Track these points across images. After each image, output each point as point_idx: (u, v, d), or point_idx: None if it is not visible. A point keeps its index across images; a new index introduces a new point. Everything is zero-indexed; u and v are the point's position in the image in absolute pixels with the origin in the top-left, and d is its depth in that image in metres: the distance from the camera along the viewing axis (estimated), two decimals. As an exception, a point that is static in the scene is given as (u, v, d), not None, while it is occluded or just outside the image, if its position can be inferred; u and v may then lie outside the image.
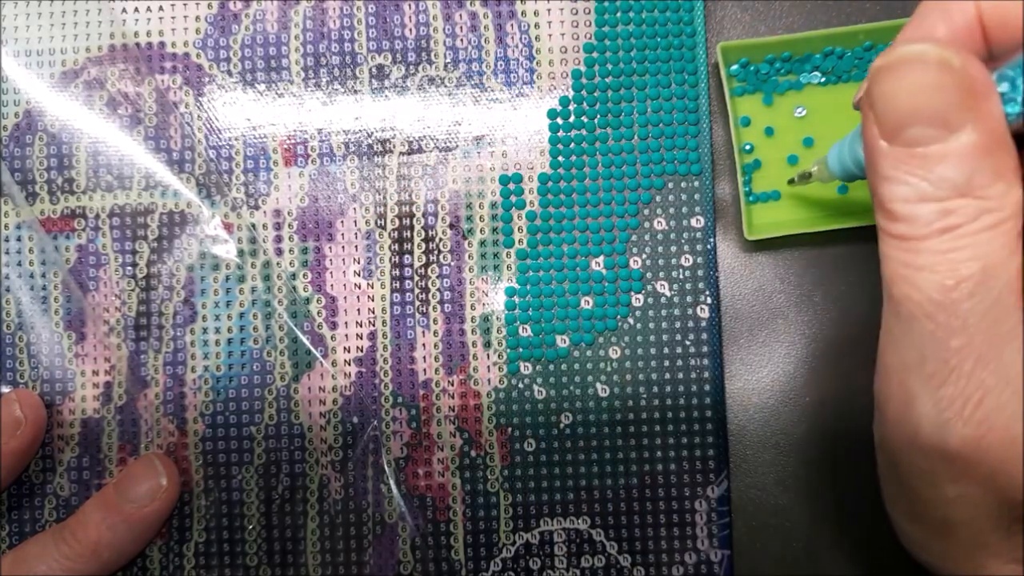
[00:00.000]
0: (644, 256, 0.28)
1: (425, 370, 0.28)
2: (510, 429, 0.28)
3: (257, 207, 0.29)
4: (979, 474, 0.19)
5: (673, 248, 0.28)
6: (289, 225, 0.29)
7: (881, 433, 0.21)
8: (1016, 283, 0.18)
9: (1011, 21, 0.19)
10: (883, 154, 0.19)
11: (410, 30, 0.29)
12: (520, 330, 0.28)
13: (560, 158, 0.29)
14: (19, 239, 0.29)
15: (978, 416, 0.19)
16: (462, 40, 0.29)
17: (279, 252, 0.29)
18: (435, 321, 0.28)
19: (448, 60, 0.29)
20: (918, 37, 0.20)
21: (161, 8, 0.29)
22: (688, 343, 0.28)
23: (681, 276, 0.28)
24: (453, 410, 0.28)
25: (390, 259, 0.29)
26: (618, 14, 0.29)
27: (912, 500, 0.21)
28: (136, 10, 0.29)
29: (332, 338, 0.28)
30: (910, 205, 0.19)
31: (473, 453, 0.28)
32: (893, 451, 0.21)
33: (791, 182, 0.28)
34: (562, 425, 0.28)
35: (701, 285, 0.28)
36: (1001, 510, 0.19)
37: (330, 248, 0.29)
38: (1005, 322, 0.18)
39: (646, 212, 0.29)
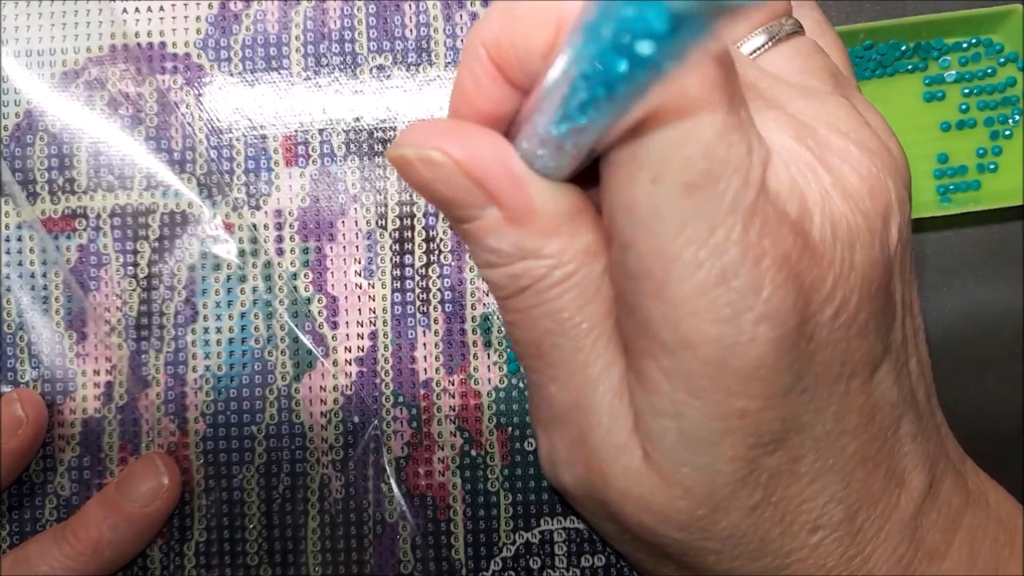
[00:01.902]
0: (644, 256, 0.28)
1: (426, 370, 0.28)
2: (510, 429, 0.28)
3: (258, 207, 0.29)
4: (602, 514, 0.20)
5: (673, 248, 0.28)
6: (290, 225, 0.29)
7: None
8: (604, 323, 0.18)
9: (513, 59, 0.17)
10: (453, 228, 0.19)
11: (411, 30, 0.29)
12: (520, 330, 0.28)
13: (560, 158, 0.29)
14: (20, 239, 0.29)
15: (581, 458, 0.19)
16: (463, 40, 0.29)
17: (280, 252, 0.29)
18: (436, 321, 0.28)
19: (449, 60, 0.29)
20: (455, 98, 0.18)
21: (162, 8, 0.29)
22: (688, 343, 0.28)
23: (681, 276, 0.28)
24: (454, 410, 0.28)
25: (391, 259, 0.29)
26: (618, 14, 0.29)
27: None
28: (136, 10, 0.29)
29: (333, 338, 0.28)
30: (486, 271, 0.19)
31: (473, 453, 0.28)
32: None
33: None
34: (562, 425, 0.28)
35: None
36: (646, 547, 0.20)
37: (331, 248, 0.29)
38: (594, 365, 0.19)
39: (646, 212, 0.29)
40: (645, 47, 0.12)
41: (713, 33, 0.12)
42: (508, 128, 0.18)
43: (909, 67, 0.30)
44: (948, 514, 0.21)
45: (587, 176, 0.18)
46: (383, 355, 0.28)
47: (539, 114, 0.16)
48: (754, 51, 0.21)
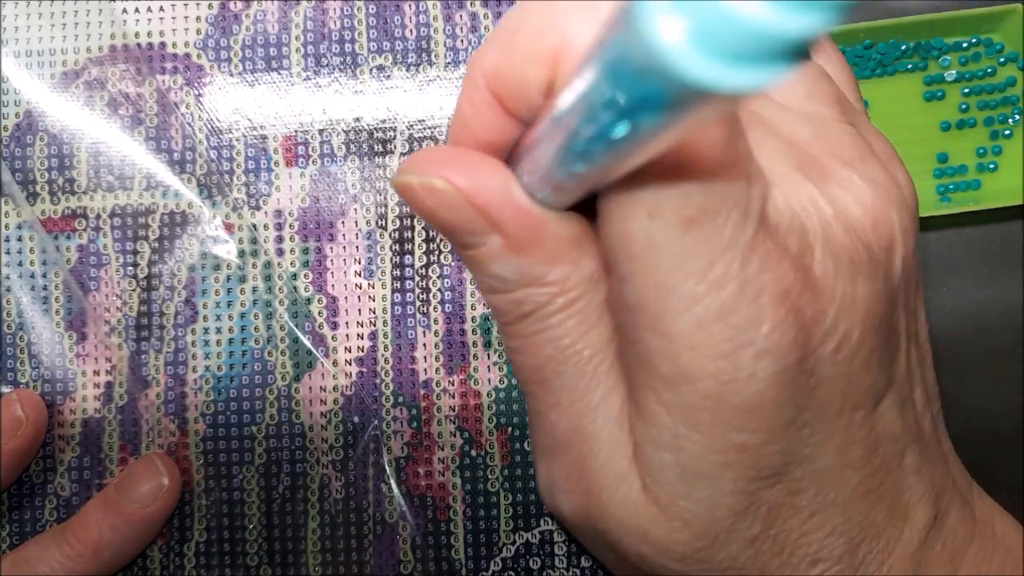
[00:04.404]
0: (644, 256, 0.28)
1: (426, 370, 0.28)
2: (510, 429, 0.28)
3: (258, 207, 0.29)
4: (600, 543, 0.20)
5: (673, 248, 0.28)
6: (290, 225, 0.29)
7: None
8: (606, 351, 0.18)
9: (512, 91, 0.17)
10: (456, 253, 0.19)
11: (411, 31, 0.29)
12: (520, 330, 0.28)
13: (560, 158, 0.29)
14: (20, 239, 0.29)
15: (581, 487, 0.19)
16: (463, 40, 0.29)
17: (280, 252, 0.29)
18: (436, 321, 0.28)
19: (449, 60, 0.29)
20: (455, 126, 0.19)
21: (161, 8, 0.29)
22: (688, 343, 0.28)
23: (681, 276, 0.28)
24: (454, 410, 0.28)
25: (391, 259, 0.29)
26: (618, 15, 0.29)
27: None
28: (136, 10, 0.29)
29: (333, 338, 0.28)
30: (489, 296, 0.19)
31: (473, 453, 0.28)
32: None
33: None
34: (562, 425, 0.28)
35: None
36: (644, 573, 0.20)
37: (331, 248, 0.29)
38: (595, 392, 0.19)
39: (646, 212, 0.29)
40: (647, 119, 0.12)
41: (720, 104, 0.11)
42: (509, 155, 0.18)
43: (909, 67, 0.30)
44: (953, 545, 0.20)
45: (589, 204, 0.18)
46: (383, 355, 0.28)
47: (539, 153, 0.16)
48: None
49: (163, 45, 0.29)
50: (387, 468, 0.28)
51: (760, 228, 0.16)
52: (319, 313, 0.28)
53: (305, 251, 0.29)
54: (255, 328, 0.28)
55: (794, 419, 0.17)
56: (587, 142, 0.14)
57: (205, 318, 0.28)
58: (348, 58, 0.29)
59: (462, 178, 0.17)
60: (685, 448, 0.17)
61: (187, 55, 0.29)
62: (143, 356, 0.28)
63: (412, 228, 0.29)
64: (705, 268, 0.16)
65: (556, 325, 0.18)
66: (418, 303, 0.28)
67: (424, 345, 0.28)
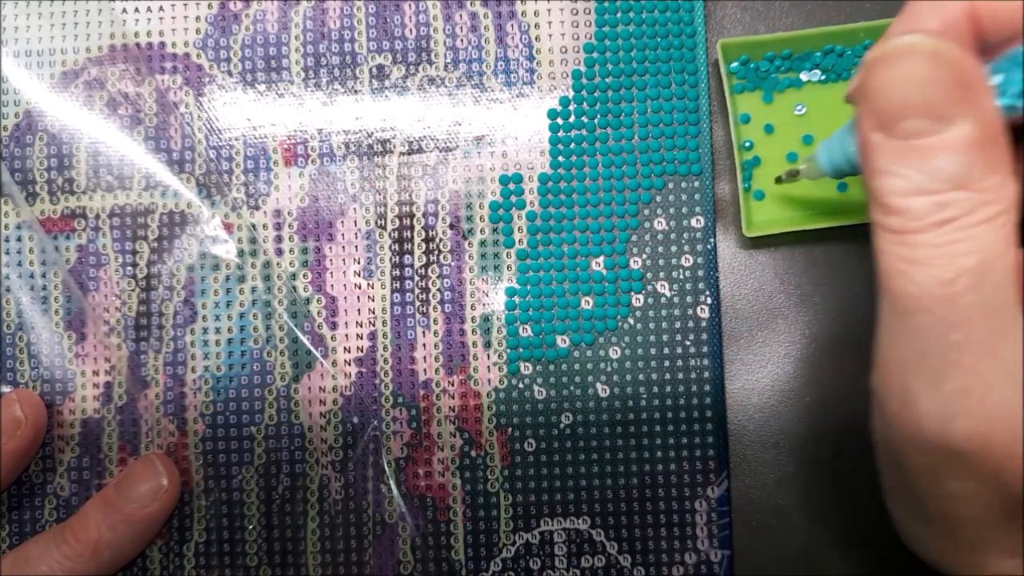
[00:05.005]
0: (644, 256, 0.28)
1: (425, 370, 0.28)
2: (510, 429, 0.28)
3: (257, 207, 0.29)
4: (983, 470, 0.19)
5: (673, 248, 0.28)
6: (289, 225, 0.29)
7: (882, 430, 0.21)
8: (1013, 276, 0.18)
9: (1004, 15, 0.19)
10: (878, 147, 0.19)
11: (410, 30, 0.29)
12: (520, 330, 0.28)
13: (560, 158, 0.29)
14: (19, 239, 0.29)
15: (981, 412, 0.19)
16: (462, 40, 0.29)
17: (279, 252, 0.29)
18: (435, 321, 0.28)
19: (448, 60, 0.29)
20: (910, 30, 0.19)
21: (161, 8, 0.29)
22: (688, 343, 0.28)
23: (681, 276, 0.28)
24: (453, 410, 0.28)
25: (390, 259, 0.29)
26: (618, 14, 0.29)
27: (914, 496, 0.21)
28: (136, 10, 0.29)
29: (332, 338, 0.28)
30: (906, 199, 0.18)
31: (473, 453, 0.28)
32: (895, 448, 0.21)
33: (778, 180, 0.27)
34: (562, 425, 0.28)
35: (701, 285, 0.28)
36: (1003, 505, 0.19)
37: (330, 248, 0.29)
38: (1004, 316, 0.18)
39: (646, 212, 0.29)
40: None
41: None
42: None
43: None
44: None
45: None
46: (382, 355, 0.28)
47: (1010, 73, 0.18)
48: None
49: (163, 45, 0.29)
50: (387, 468, 0.28)
51: None
52: (318, 313, 0.28)
53: (304, 251, 0.29)
54: (254, 328, 0.28)
55: None
56: None
57: (204, 318, 0.28)
58: (348, 58, 0.29)
59: (963, 56, 0.18)
60: None
61: (187, 55, 0.29)
62: (142, 356, 0.28)
63: (411, 228, 0.29)
64: None
65: (979, 236, 0.18)
66: (417, 303, 0.28)
67: (424, 345, 0.28)
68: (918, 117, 0.18)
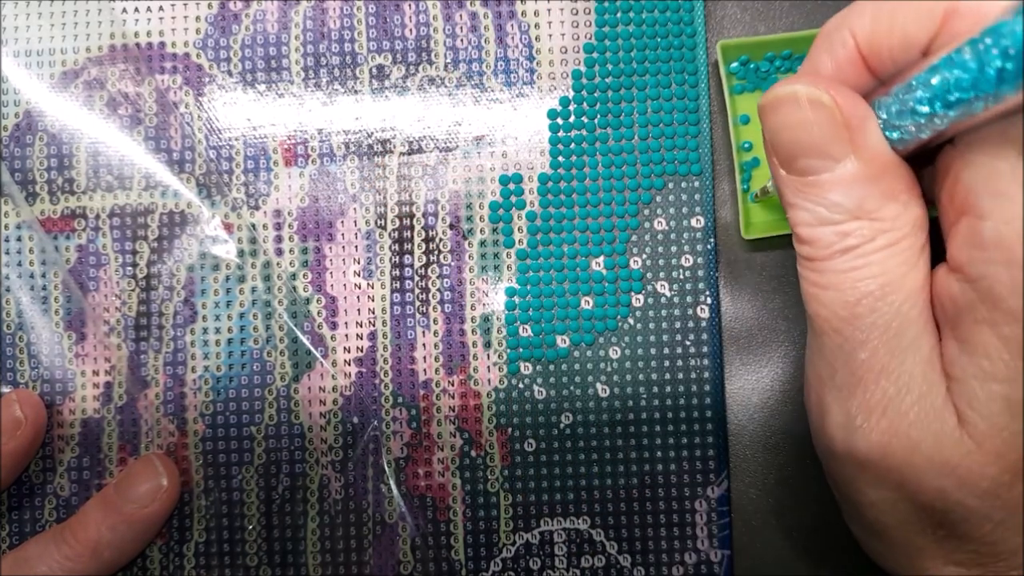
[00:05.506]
0: (644, 256, 0.28)
1: (425, 370, 0.28)
2: (510, 429, 0.28)
3: (257, 207, 0.29)
4: (890, 480, 0.20)
5: (673, 248, 0.28)
6: (289, 225, 0.29)
7: (813, 443, 0.23)
8: (918, 295, 0.19)
9: (887, 55, 0.19)
10: (784, 182, 0.20)
11: (410, 30, 0.29)
12: (520, 330, 0.28)
13: (560, 158, 0.29)
14: (19, 239, 0.29)
15: (883, 424, 0.20)
16: (462, 40, 0.29)
17: (279, 252, 0.29)
18: (435, 321, 0.28)
19: (448, 60, 0.29)
20: (808, 71, 0.21)
21: (161, 8, 0.29)
22: (688, 343, 0.28)
23: (681, 276, 0.28)
24: (453, 410, 0.28)
25: (390, 259, 0.29)
26: (618, 14, 0.29)
27: (844, 504, 0.23)
28: (136, 10, 0.29)
29: (332, 338, 0.28)
30: (811, 228, 0.20)
31: (473, 453, 0.28)
32: (821, 460, 0.22)
33: (754, 198, 0.28)
34: (562, 425, 0.28)
35: (701, 285, 0.28)
36: (920, 515, 0.20)
37: (330, 248, 0.29)
38: (906, 333, 0.19)
39: (646, 212, 0.29)
40: None
41: None
42: None
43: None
44: None
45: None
46: (382, 355, 0.28)
47: (903, 96, 0.19)
48: None
49: (163, 45, 0.29)
50: (387, 468, 0.28)
51: None
52: (318, 313, 0.28)
53: (304, 251, 0.29)
54: (254, 328, 0.28)
55: None
56: (961, 89, 0.17)
57: (204, 318, 0.28)
58: (347, 58, 0.29)
59: (840, 98, 0.19)
60: (1017, 380, 0.18)
61: (187, 55, 0.29)
62: (142, 356, 0.28)
63: (411, 228, 0.29)
64: None
65: (878, 262, 0.19)
66: (417, 303, 0.28)
67: (424, 345, 0.28)
68: (810, 157, 0.19)
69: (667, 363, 0.28)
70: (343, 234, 0.29)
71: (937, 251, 0.20)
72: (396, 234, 0.29)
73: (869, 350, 0.20)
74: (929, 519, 0.20)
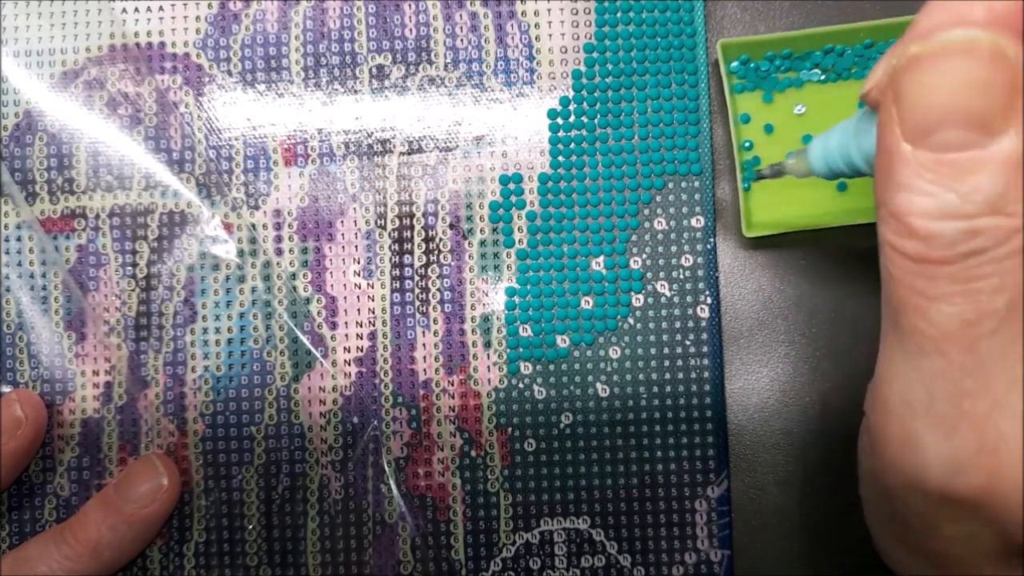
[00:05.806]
0: (644, 256, 0.28)
1: (425, 370, 0.28)
2: (510, 429, 0.28)
3: (257, 207, 0.29)
4: (983, 518, 0.18)
5: (673, 248, 0.28)
6: (289, 225, 0.29)
7: (873, 466, 0.20)
8: None
9: None
10: (903, 159, 0.16)
11: (410, 30, 0.29)
12: (520, 330, 0.28)
13: (560, 158, 0.29)
14: (19, 239, 0.29)
15: (990, 465, 0.17)
16: (462, 40, 0.29)
17: (279, 252, 0.29)
18: (435, 321, 0.28)
19: (448, 60, 0.29)
20: (952, 22, 0.16)
21: (161, 8, 0.29)
22: (688, 343, 0.28)
23: (681, 276, 0.28)
24: (453, 410, 0.28)
25: (390, 259, 0.29)
26: (618, 14, 0.29)
27: (907, 533, 0.20)
28: (136, 10, 0.29)
29: (332, 338, 0.28)
30: (931, 221, 0.16)
31: (473, 453, 0.28)
32: (888, 488, 0.19)
33: (759, 176, 0.26)
34: (562, 425, 0.28)
35: (701, 285, 0.28)
36: (1002, 547, 0.18)
37: (330, 248, 0.29)
38: (1020, 361, 0.16)
39: (646, 212, 0.29)
40: None
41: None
42: None
43: (910, 66, 0.30)
44: None
45: None
46: (382, 355, 0.28)
47: None
48: None
49: (163, 45, 0.29)
50: (387, 468, 0.28)
51: None
52: (318, 313, 0.28)
53: (304, 251, 0.29)
54: (254, 328, 0.28)
55: None
56: None
57: (204, 318, 0.28)
58: (347, 58, 0.29)
59: (1020, 53, 0.15)
60: None
61: (186, 55, 0.29)
62: (142, 356, 0.28)
63: (411, 228, 0.29)
64: None
65: (1009, 271, 0.15)
66: (417, 303, 0.28)
67: (424, 345, 0.28)
68: (959, 128, 0.15)
69: (667, 363, 0.28)
70: (343, 234, 0.29)
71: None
72: (396, 234, 0.29)
73: (982, 379, 0.16)
74: (1009, 550, 0.18)
